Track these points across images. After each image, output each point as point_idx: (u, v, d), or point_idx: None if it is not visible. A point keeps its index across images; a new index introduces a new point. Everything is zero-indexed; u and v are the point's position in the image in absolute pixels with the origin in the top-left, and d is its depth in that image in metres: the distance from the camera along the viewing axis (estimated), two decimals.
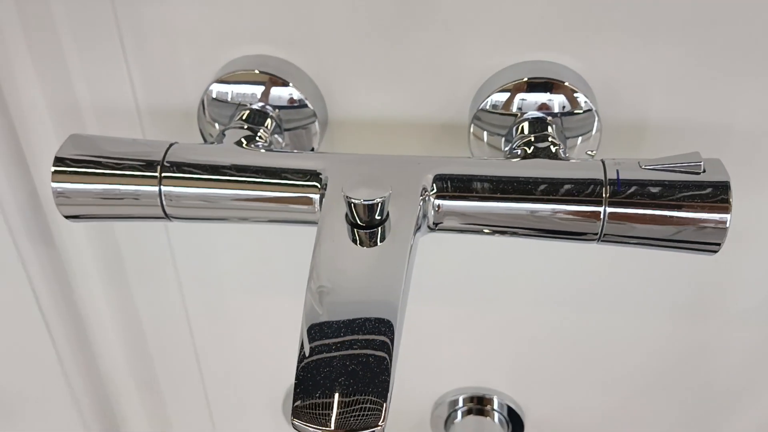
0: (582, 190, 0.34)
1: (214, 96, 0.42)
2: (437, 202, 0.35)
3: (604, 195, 0.34)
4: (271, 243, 0.51)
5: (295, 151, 0.38)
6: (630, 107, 0.42)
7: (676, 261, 0.48)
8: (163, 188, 0.36)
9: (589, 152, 0.39)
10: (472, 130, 0.41)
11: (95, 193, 0.36)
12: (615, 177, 0.34)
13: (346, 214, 0.33)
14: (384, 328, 0.29)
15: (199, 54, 0.43)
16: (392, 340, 0.29)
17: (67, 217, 0.37)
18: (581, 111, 0.40)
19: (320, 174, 0.36)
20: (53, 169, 0.36)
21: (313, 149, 0.44)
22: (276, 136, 0.42)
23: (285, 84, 0.42)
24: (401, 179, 0.35)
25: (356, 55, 0.42)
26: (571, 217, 0.34)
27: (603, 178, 0.34)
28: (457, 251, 0.49)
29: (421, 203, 0.34)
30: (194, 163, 0.36)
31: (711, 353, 0.52)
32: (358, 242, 0.32)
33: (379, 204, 0.32)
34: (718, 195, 0.33)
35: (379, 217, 0.32)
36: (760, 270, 0.47)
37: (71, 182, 0.36)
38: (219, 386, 0.60)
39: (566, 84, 0.40)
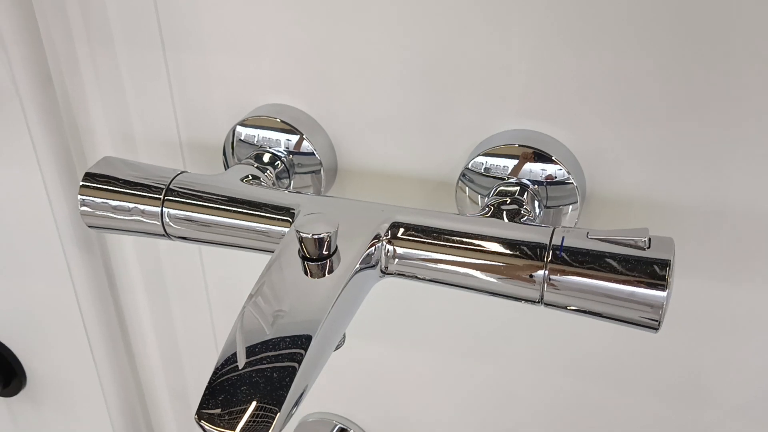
0: (525, 252, 0.36)
1: (236, 136, 0.48)
2: (388, 246, 0.37)
3: (545, 259, 0.35)
4: None
5: (288, 190, 0.42)
6: (617, 182, 0.43)
7: (669, 342, 0.47)
8: (164, 209, 0.41)
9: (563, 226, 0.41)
10: (458, 187, 0.44)
11: (110, 207, 0.42)
12: (559, 243, 0.36)
13: (299, 248, 0.36)
14: (298, 347, 0.32)
15: (229, 98, 0.48)
16: (302, 360, 0.31)
17: (89, 226, 0.44)
18: (562, 182, 0.42)
19: (293, 210, 0.39)
20: (81, 183, 0.43)
21: (320, 192, 0.48)
22: (283, 178, 0.47)
23: (297, 132, 0.46)
24: (360, 222, 0.38)
25: (366, 111, 0.46)
26: (512, 277, 0.36)
27: (548, 243, 0.36)
28: (460, 302, 0.51)
29: (374, 246, 0.37)
30: (193, 190, 0.41)
31: None
32: (307, 273, 0.36)
33: (326, 239, 0.35)
34: (656, 272, 0.34)
35: (327, 252, 0.36)
36: (760, 360, 0.45)
37: (93, 196, 0.42)
38: None
39: (550, 154, 0.42)
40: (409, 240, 0.37)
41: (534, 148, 0.42)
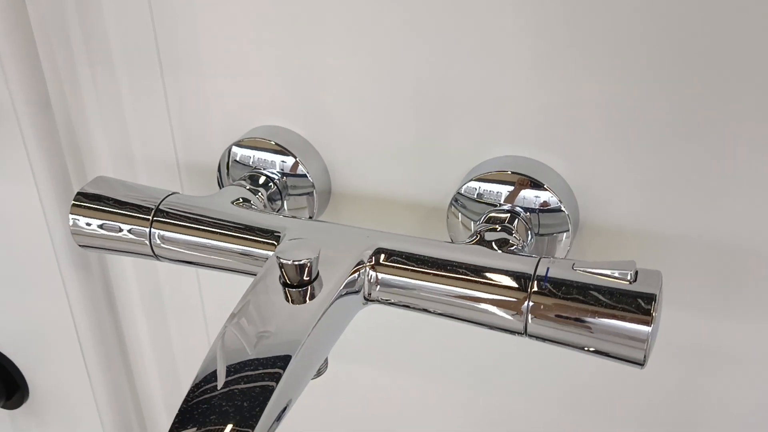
0: (509, 282, 0.35)
1: (232, 157, 0.48)
2: (371, 272, 0.37)
3: (529, 289, 0.35)
4: None
5: (276, 213, 0.42)
6: (610, 211, 0.42)
7: (663, 376, 0.46)
8: (153, 230, 0.42)
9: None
10: (449, 212, 0.44)
11: (98, 226, 0.42)
12: (544, 274, 0.35)
13: (279, 275, 0.36)
14: (274, 371, 0.32)
15: (226, 120, 0.49)
16: (274, 387, 0.31)
17: (80, 245, 0.44)
18: (554, 210, 0.41)
19: (279, 234, 0.39)
20: (73, 202, 0.43)
21: (311, 216, 0.48)
22: (276, 200, 0.47)
23: (291, 155, 0.46)
24: (345, 248, 0.38)
25: (360, 135, 0.46)
26: (495, 307, 0.35)
27: (532, 273, 0.35)
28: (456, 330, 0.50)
29: (357, 272, 0.37)
30: (182, 212, 0.42)
31: None
32: (288, 299, 0.35)
33: (306, 265, 0.35)
34: (641, 306, 0.33)
35: (308, 278, 0.35)
36: (754, 394, 0.44)
37: (85, 215, 0.43)
38: None
39: (543, 182, 0.41)
40: (391, 267, 0.37)
41: (526, 176, 0.41)
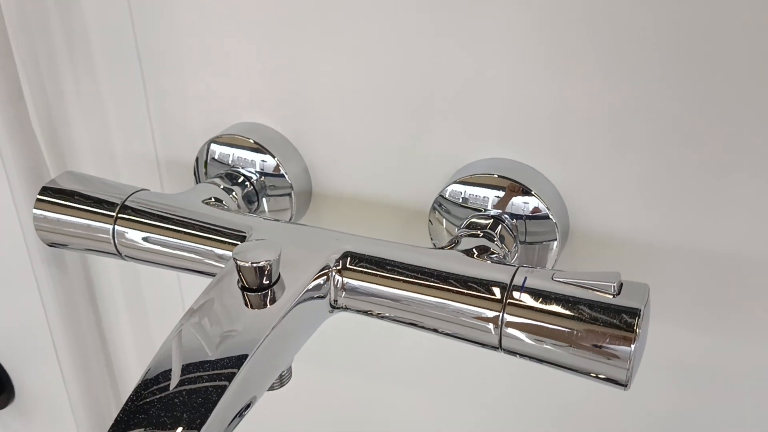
0: (481, 291, 0.33)
1: (210, 154, 0.46)
2: (337, 277, 0.35)
3: (503, 300, 0.32)
4: None
5: (245, 214, 0.40)
6: (602, 219, 0.39)
7: (655, 393, 0.43)
8: (116, 227, 0.40)
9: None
10: (431, 215, 0.41)
11: (64, 223, 0.41)
12: (520, 283, 0.32)
13: (237, 278, 0.33)
14: (226, 373, 0.29)
15: (206, 117, 0.47)
16: (226, 386, 0.29)
17: (46, 242, 0.42)
18: (541, 217, 0.39)
19: (244, 234, 0.37)
20: (37, 197, 0.41)
21: (291, 218, 0.45)
22: (252, 201, 0.44)
23: (269, 153, 0.44)
24: (312, 251, 0.35)
25: (342, 135, 0.43)
26: (468, 318, 0.33)
27: (508, 283, 0.32)
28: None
29: (323, 276, 0.34)
30: (147, 209, 0.40)
31: None
32: (247, 304, 0.33)
33: (266, 268, 0.32)
34: (624, 321, 0.30)
35: (267, 282, 0.33)
36: (747, 413, 0.41)
37: (49, 211, 0.41)
38: None
39: (530, 187, 0.38)
40: (358, 271, 0.34)
41: (512, 180, 0.39)
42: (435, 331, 0.34)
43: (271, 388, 0.36)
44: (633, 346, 0.30)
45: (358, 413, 0.54)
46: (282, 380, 0.36)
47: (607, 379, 0.31)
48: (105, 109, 0.50)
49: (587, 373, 0.31)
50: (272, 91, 0.44)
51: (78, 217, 0.40)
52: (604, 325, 0.30)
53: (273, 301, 0.33)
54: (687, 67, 0.34)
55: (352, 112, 0.42)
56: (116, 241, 0.40)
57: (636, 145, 0.37)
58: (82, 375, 0.54)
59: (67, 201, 0.41)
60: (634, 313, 0.30)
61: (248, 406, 0.31)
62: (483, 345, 0.33)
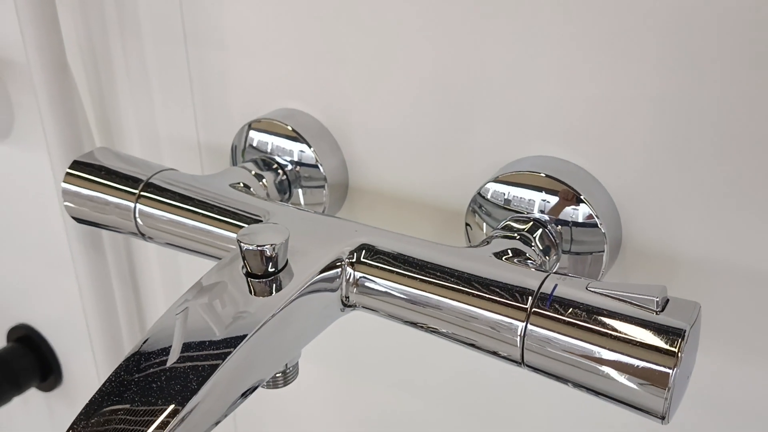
0: (504, 297, 0.29)
1: (246, 138, 0.44)
2: (349, 270, 0.32)
3: (528, 308, 0.28)
4: None
5: (268, 200, 0.38)
6: (662, 232, 0.35)
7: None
8: (138, 205, 0.38)
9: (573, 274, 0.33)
10: (467, 216, 0.38)
11: (90, 198, 0.40)
12: (549, 292, 0.28)
13: (242, 264, 0.31)
14: (221, 352, 0.27)
15: (247, 101, 0.45)
16: (216, 365, 0.27)
17: (74, 218, 0.41)
18: (588, 225, 0.35)
19: (260, 220, 0.35)
20: (67, 171, 0.40)
21: (324, 210, 0.43)
22: (283, 190, 0.42)
23: (305, 142, 0.42)
24: (326, 241, 0.33)
25: (382, 127, 0.41)
26: (487, 326, 0.29)
27: (535, 290, 0.29)
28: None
29: (336, 269, 0.32)
30: (171, 189, 0.38)
31: None
32: (251, 291, 0.31)
33: (271, 252, 0.30)
34: (665, 342, 0.26)
35: (273, 269, 0.31)
36: None
37: (77, 185, 0.40)
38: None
39: (578, 190, 0.34)
40: (372, 266, 0.31)
41: (559, 180, 0.35)
42: (451, 338, 0.30)
43: (276, 386, 0.33)
44: (674, 371, 0.26)
45: (367, 419, 0.50)
46: (286, 378, 0.33)
47: (643, 410, 0.27)
48: (151, 89, 0.49)
49: (620, 401, 0.27)
50: (314, 79, 0.42)
51: (103, 193, 0.39)
52: (641, 345, 0.26)
53: (279, 288, 0.30)
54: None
55: (393, 105, 0.40)
56: (137, 220, 0.38)
57: (708, 148, 0.32)
58: (115, 361, 0.53)
59: (94, 176, 0.40)
60: (678, 333, 0.26)
61: (250, 390, 0.29)
62: (505, 359, 0.30)
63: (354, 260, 0.32)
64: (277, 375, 0.33)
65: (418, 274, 0.31)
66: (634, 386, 0.26)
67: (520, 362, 0.29)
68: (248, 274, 0.31)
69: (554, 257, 0.35)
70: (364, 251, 0.32)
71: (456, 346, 0.31)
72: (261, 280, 0.30)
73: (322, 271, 0.31)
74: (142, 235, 0.39)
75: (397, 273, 0.31)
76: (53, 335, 0.69)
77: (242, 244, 0.30)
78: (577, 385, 0.28)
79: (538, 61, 0.34)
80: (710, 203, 0.33)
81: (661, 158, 0.33)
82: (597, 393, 0.28)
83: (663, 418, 0.26)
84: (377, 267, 0.31)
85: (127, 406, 0.26)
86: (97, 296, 0.50)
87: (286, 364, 0.32)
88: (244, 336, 0.28)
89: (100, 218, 0.40)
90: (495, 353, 0.30)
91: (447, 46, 0.37)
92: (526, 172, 0.36)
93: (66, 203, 0.41)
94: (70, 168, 0.40)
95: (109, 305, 0.51)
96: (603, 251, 0.35)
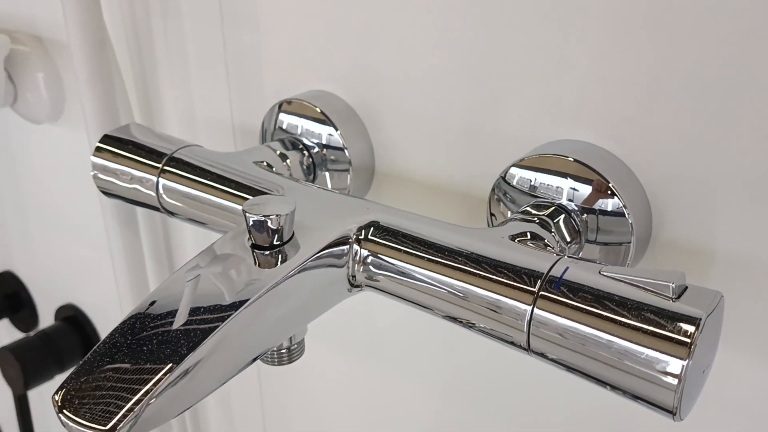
0: (512, 279, 0.27)
1: (276, 118, 0.44)
2: (356, 248, 0.31)
3: (536, 291, 0.27)
4: None
5: (284, 176, 0.37)
6: (696, 224, 0.32)
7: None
8: (161, 179, 0.38)
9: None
10: (490, 200, 0.36)
11: (115, 171, 0.40)
12: (558, 275, 0.27)
13: (247, 236, 0.31)
14: (220, 315, 0.27)
15: (279, 82, 0.45)
16: (214, 328, 0.26)
17: (101, 190, 0.42)
18: (615, 214, 0.33)
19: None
20: (97, 144, 0.41)
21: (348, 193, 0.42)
22: (308, 171, 0.42)
23: (332, 125, 0.41)
24: (335, 218, 0.32)
25: (411, 111, 0.40)
26: (492, 310, 0.28)
27: (544, 272, 0.27)
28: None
29: (344, 245, 0.31)
30: (193, 164, 0.38)
31: None
32: (255, 262, 0.30)
33: (275, 222, 0.29)
34: (679, 331, 0.24)
35: (278, 242, 0.30)
36: None
37: (105, 159, 0.41)
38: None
39: (607, 177, 0.33)
40: (379, 243, 0.30)
41: (586, 165, 0.33)
42: (454, 319, 0.29)
43: (281, 362, 0.32)
44: (686, 362, 0.24)
45: (372, 406, 0.49)
46: (291, 354, 0.32)
47: (653, 403, 0.25)
48: (189, 70, 0.50)
49: (629, 393, 0.25)
50: (346, 60, 0.41)
51: (128, 167, 0.40)
52: (652, 334, 0.24)
53: (284, 260, 0.30)
54: None
55: (424, 88, 0.39)
56: (160, 193, 0.39)
57: (750, 137, 0.30)
58: None
59: (122, 150, 0.40)
60: (693, 322, 0.24)
61: (251, 359, 0.29)
62: (511, 344, 0.28)
63: (362, 237, 0.31)
64: (282, 351, 0.32)
65: (424, 252, 0.30)
66: (644, 378, 0.25)
67: (527, 348, 0.27)
68: (254, 246, 0.30)
69: (576, 244, 0.33)
70: (372, 228, 0.31)
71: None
72: (265, 251, 0.30)
73: (328, 246, 0.30)
74: (165, 209, 0.39)
75: (403, 251, 0.30)
76: (97, 315, 0.71)
77: (248, 215, 0.30)
78: (585, 375, 0.26)
79: (569, 40, 0.33)
80: (750, 198, 0.31)
81: (701, 145, 0.31)
82: (605, 384, 0.26)
83: (674, 413, 0.24)
84: (383, 245, 0.30)
85: (126, 365, 0.26)
86: (131, 277, 0.51)
87: (291, 340, 0.32)
88: (245, 301, 0.28)
89: (126, 191, 0.40)
90: (501, 339, 0.28)
91: (480, 29, 0.35)
92: (553, 155, 0.34)
93: (95, 177, 0.41)
94: (100, 142, 0.41)
95: (142, 286, 0.52)
96: (630, 242, 0.33)
